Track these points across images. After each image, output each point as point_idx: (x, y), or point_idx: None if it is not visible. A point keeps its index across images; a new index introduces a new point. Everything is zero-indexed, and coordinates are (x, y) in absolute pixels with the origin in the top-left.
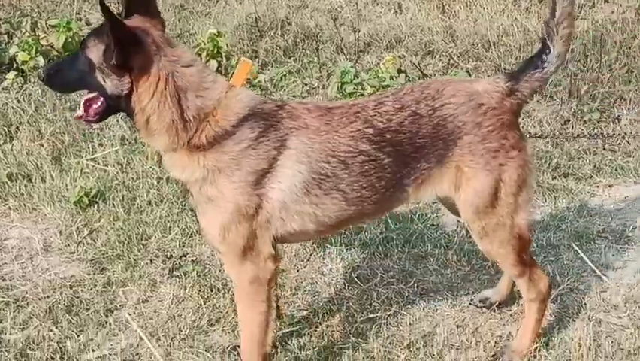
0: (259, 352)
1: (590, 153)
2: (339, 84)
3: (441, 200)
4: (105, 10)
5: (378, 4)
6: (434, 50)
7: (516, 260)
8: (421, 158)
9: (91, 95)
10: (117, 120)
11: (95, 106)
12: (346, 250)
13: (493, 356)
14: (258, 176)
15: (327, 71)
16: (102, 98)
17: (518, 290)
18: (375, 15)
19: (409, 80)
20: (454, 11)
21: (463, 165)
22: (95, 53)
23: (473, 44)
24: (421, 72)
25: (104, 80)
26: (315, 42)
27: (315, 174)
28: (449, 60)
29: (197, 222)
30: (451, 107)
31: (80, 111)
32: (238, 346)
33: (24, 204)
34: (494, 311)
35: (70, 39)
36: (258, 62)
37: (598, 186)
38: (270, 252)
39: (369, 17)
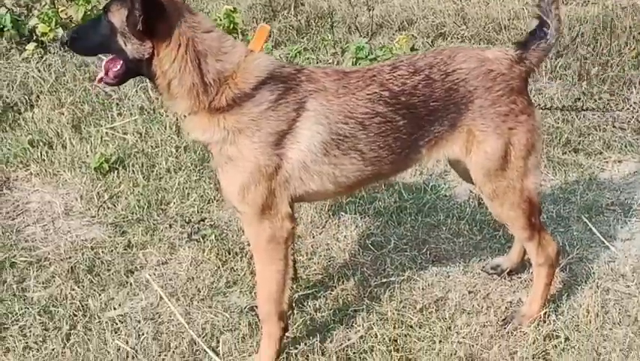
0: (276, 309)
1: (599, 130)
2: (355, 60)
3: (452, 164)
4: None
5: None
6: (446, 33)
7: (526, 223)
8: (434, 121)
9: (111, 57)
10: (136, 91)
11: (114, 69)
12: (360, 218)
13: (503, 320)
14: (278, 137)
15: (341, 48)
16: (122, 61)
17: (529, 259)
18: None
19: None
20: None
21: (475, 129)
22: (118, 17)
23: (485, 27)
24: None
25: (125, 44)
26: (329, 20)
27: (334, 134)
28: (461, 42)
29: (218, 182)
30: (463, 72)
31: (101, 74)
32: (255, 306)
33: (45, 170)
34: (505, 278)
35: (89, 12)
36: (273, 41)
37: (607, 162)
38: (287, 211)
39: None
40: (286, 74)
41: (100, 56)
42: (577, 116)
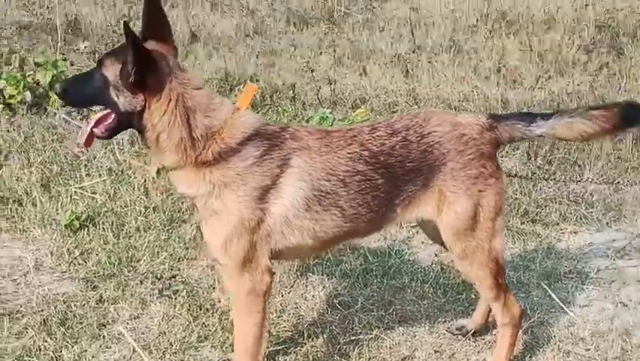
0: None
1: (555, 202)
2: None
3: (422, 225)
4: (129, 32)
5: (343, 65)
6: (398, 111)
7: (493, 283)
8: (409, 180)
9: (102, 113)
10: (104, 152)
11: (106, 122)
12: (328, 279)
13: None
14: (262, 191)
15: (304, 118)
16: (114, 115)
17: (492, 320)
18: (340, 76)
19: None
20: (417, 76)
21: (446, 190)
22: (112, 71)
23: (435, 107)
24: None
25: (118, 97)
26: (289, 93)
27: (316, 190)
28: None
29: (201, 235)
30: (437, 134)
31: (79, 145)
32: (228, 360)
33: (15, 226)
34: (469, 339)
35: (55, 77)
36: None
37: (563, 233)
38: (267, 265)
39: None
40: (271, 131)
41: (65, 117)
42: (534, 189)
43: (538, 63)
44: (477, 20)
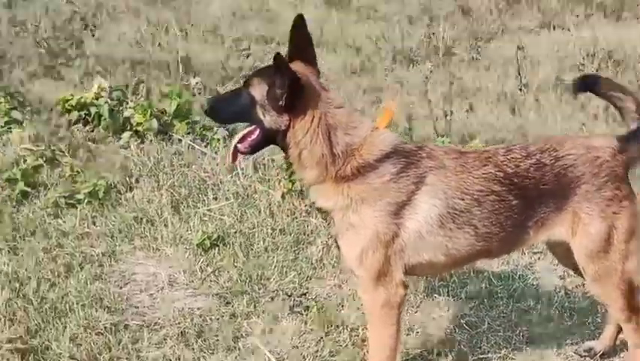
0: None
1: None
2: None
3: (552, 247)
4: (280, 59)
5: (449, 103)
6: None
7: (625, 305)
8: (543, 203)
9: (247, 130)
10: (231, 177)
11: (250, 139)
12: (453, 300)
13: None
14: (398, 207)
15: None
16: (258, 132)
17: (619, 343)
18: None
19: None
20: (524, 113)
21: (580, 212)
22: (259, 91)
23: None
24: None
25: (264, 115)
26: (407, 123)
27: (450, 208)
28: None
29: (338, 247)
30: (571, 158)
31: (232, 148)
32: None
33: (148, 245)
34: (599, 358)
35: (180, 105)
36: None
37: None
38: (401, 278)
39: (439, 114)
40: (408, 149)
41: (191, 143)
42: None
43: None
44: (583, 59)
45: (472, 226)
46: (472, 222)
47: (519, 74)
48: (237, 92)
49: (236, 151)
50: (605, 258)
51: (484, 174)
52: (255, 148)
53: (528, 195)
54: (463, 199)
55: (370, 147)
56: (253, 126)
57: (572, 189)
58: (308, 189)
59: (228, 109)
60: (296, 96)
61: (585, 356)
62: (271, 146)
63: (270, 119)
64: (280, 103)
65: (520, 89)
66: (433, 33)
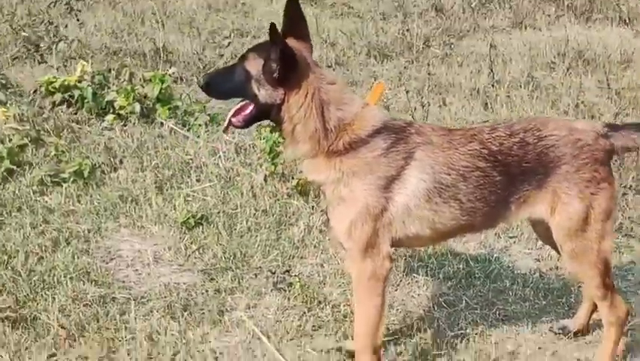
0: (372, 343)
1: None
2: None
3: (533, 225)
4: (275, 31)
5: (423, 97)
6: None
7: (600, 283)
8: (525, 180)
9: (241, 104)
10: (214, 160)
11: (244, 113)
12: (432, 279)
13: None
14: (387, 181)
15: None
16: (252, 106)
17: (593, 322)
18: (420, 106)
19: None
20: (496, 109)
21: (560, 191)
22: (254, 65)
23: None
24: None
25: (259, 90)
26: None
27: (437, 183)
28: None
29: (328, 220)
30: (553, 138)
31: (226, 121)
32: (341, 348)
33: (133, 223)
34: (571, 338)
35: (163, 90)
36: None
37: None
38: (388, 251)
39: (417, 109)
40: (398, 126)
41: (173, 127)
42: (627, 206)
43: (616, 100)
44: (554, 57)
45: (458, 201)
46: (457, 196)
47: (491, 70)
48: (233, 68)
49: (229, 124)
50: (582, 237)
51: (469, 150)
52: (248, 122)
53: (511, 172)
54: (449, 174)
55: (361, 122)
56: (246, 101)
57: (553, 168)
58: (298, 165)
59: (224, 84)
60: (290, 69)
61: (559, 333)
62: (254, 130)
63: (264, 93)
64: (275, 75)
65: (493, 85)
66: (407, 30)
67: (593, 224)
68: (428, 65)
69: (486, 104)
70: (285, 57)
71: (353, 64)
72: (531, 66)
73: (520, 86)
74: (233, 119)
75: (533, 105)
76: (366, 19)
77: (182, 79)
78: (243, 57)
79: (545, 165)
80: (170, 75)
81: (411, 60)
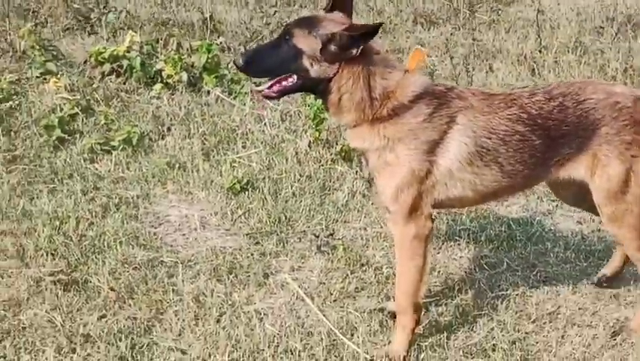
0: (413, 302)
1: None
2: None
3: (558, 189)
4: (366, 28)
5: (469, 64)
6: None
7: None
8: (565, 143)
9: (282, 76)
10: (259, 126)
11: (284, 83)
12: (473, 243)
13: (613, 333)
14: (431, 145)
15: None
16: (296, 79)
17: (635, 277)
18: (466, 73)
19: None
20: (544, 75)
21: (600, 153)
22: (306, 43)
23: None
24: None
25: (312, 66)
26: None
27: (478, 147)
28: None
29: (372, 186)
30: (592, 101)
31: (264, 87)
32: (382, 309)
33: (181, 188)
34: (612, 298)
35: (210, 59)
36: None
37: None
38: (429, 212)
39: (462, 75)
40: (439, 91)
41: (220, 95)
42: None
43: None
44: (602, 22)
45: (498, 164)
46: (498, 160)
47: (539, 36)
48: (276, 45)
49: (259, 93)
50: (622, 199)
51: (509, 114)
52: (284, 93)
53: (551, 135)
54: (490, 138)
55: (404, 89)
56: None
57: (593, 131)
58: (342, 131)
59: (267, 62)
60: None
61: (599, 283)
62: (299, 97)
63: (318, 69)
64: (355, 53)
65: (540, 51)
66: None
67: (634, 187)
68: (474, 30)
69: (533, 69)
70: (362, 39)
71: (400, 31)
72: (579, 31)
73: (568, 52)
74: (268, 91)
75: (581, 70)
76: None
77: (229, 48)
78: (288, 33)
79: (585, 127)
80: (217, 44)
81: (457, 27)
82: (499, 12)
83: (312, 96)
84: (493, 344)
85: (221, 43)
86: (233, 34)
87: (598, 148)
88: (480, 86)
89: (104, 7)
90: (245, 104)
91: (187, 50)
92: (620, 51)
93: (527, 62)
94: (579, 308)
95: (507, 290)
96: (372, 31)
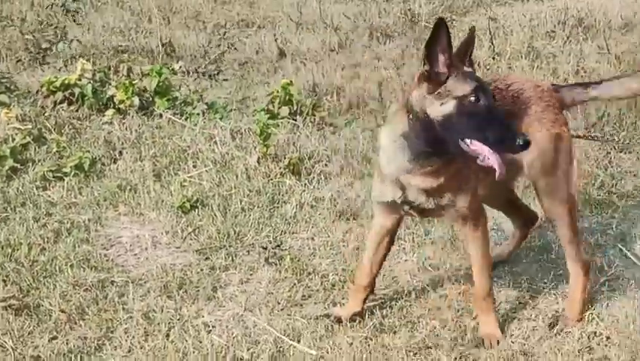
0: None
1: (631, 175)
2: None
3: None
4: None
5: None
6: None
7: (570, 222)
8: None
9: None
10: (209, 145)
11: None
12: (418, 245)
13: (549, 324)
14: None
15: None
16: None
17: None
18: None
19: None
20: None
21: (532, 129)
22: None
23: None
24: None
25: None
26: (378, 93)
27: None
28: None
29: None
30: (518, 84)
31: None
32: (329, 314)
33: (132, 210)
34: (551, 291)
35: (161, 82)
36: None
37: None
38: None
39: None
40: None
41: (171, 117)
42: (610, 164)
43: (615, 65)
44: (554, 26)
45: None
46: None
47: (492, 43)
48: None
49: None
50: (553, 174)
51: None
52: None
53: None
54: None
55: None
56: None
57: (525, 110)
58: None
59: None
60: None
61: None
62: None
63: None
64: None
65: (493, 58)
66: (409, 9)
67: (562, 164)
68: None
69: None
70: None
71: (356, 47)
72: (531, 36)
73: (521, 57)
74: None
75: (534, 75)
76: (369, 1)
77: (189, 72)
78: None
79: (519, 106)
80: (175, 70)
81: (413, 39)
82: (454, 22)
83: (261, 112)
84: (435, 342)
85: (180, 67)
86: (192, 58)
87: (530, 125)
88: None
89: (62, 38)
90: (196, 125)
91: (138, 75)
92: (571, 54)
93: (481, 68)
94: (519, 303)
95: (449, 289)
96: None
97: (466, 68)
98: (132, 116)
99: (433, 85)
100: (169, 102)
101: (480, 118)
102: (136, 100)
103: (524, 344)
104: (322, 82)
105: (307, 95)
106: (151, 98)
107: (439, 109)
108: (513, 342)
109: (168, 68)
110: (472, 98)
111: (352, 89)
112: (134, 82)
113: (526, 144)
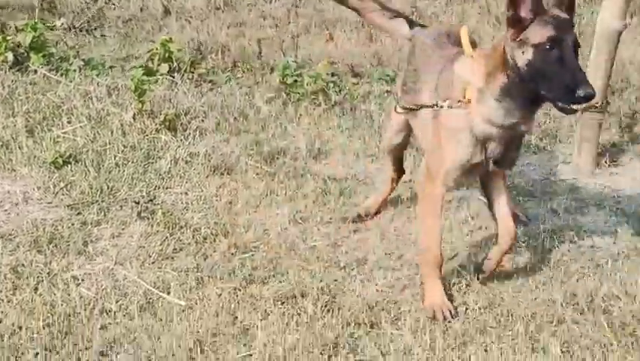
0: None
1: None
2: (282, 76)
3: None
4: None
5: (310, 33)
6: (362, 70)
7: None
8: None
9: None
10: (85, 102)
11: None
12: (290, 200)
13: (415, 273)
14: None
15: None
16: None
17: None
18: (307, 43)
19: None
20: (381, 40)
21: None
22: None
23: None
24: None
25: None
26: (257, 48)
27: None
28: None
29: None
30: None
31: None
32: (199, 266)
33: (3, 166)
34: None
35: (36, 38)
36: (203, 80)
37: None
38: None
39: (302, 45)
40: None
41: (46, 73)
42: None
43: (495, 25)
44: None
45: None
46: None
47: None
48: None
49: None
50: None
51: None
52: None
53: None
54: None
55: None
56: None
57: None
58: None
59: None
60: None
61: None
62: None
63: None
64: None
65: None
66: None
67: None
68: (317, 1)
69: (371, 36)
70: None
71: (242, 5)
72: None
73: None
74: None
75: None
76: None
77: (70, 29)
78: None
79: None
80: (57, 26)
81: None
82: None
83: (138, 69)
84: (303, 291)
85: (62, 24)
86: (75, 14)
87: None
88: (321, 53)
89: None
90: (72, 81)
91: (13, 30)
92: (453, 14)
93: (365, 28)
94: (385, 254)
95: (319, 242)
96: None
97: (558, 13)
98: (5, 72)
99: (516, 31)
100: (44, 58)
101: (552, 70)
102: (10, 55)
103: (389, 292)
104: (207, 40)
105: (192, 53)
106: (26, 54)
107: (521, 58)
108: (377, 291)
109: (44, 24)
110: (548, 47)
111: (237, 48)
112: (7, 37)
113: (588, 97)
